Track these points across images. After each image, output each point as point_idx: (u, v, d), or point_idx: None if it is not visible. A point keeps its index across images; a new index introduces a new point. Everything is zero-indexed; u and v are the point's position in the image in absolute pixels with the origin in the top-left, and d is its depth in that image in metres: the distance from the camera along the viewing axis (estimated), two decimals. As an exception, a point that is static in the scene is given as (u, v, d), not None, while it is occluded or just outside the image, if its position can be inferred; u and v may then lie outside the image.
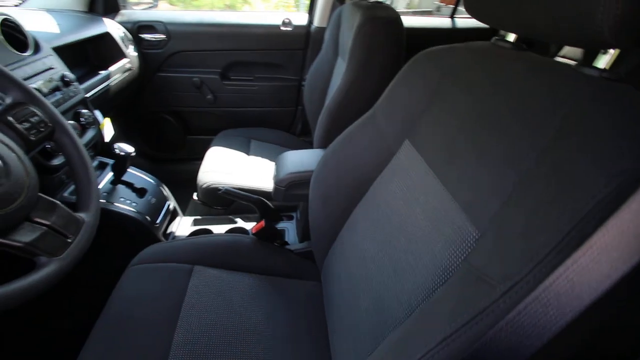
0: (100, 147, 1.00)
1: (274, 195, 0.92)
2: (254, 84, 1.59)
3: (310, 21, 1.55)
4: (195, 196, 1.20)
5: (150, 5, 1.64)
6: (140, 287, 0.70)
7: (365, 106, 0.73)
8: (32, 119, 0.54)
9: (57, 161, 0.76)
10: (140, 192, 0.99)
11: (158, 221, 0.98)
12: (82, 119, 0.88)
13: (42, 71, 0.79)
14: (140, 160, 1.65)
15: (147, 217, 0.94)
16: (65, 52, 0.96)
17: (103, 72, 1.14)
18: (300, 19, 1.55)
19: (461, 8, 1.77)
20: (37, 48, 0.83)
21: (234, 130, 1.46)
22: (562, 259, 0.25)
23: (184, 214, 1.22)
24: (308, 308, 0.73)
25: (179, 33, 1.46)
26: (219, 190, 0.87)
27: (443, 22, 1.78)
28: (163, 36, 1.46)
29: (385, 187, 0.62)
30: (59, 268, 0.48)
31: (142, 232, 0.92)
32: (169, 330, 0.62)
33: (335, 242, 0.72)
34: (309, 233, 0.79)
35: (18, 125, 0.52)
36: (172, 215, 1.10)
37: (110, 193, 0.93)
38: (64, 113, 0.82)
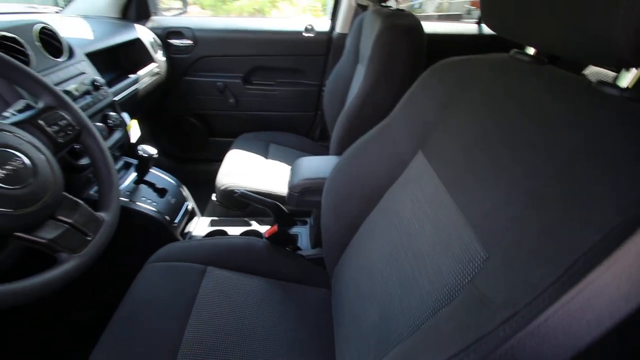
0: (126, 148, 1.05)
1: (287, 200, 0.93)
2: (275, 89, 1.61)
3: (333, 27, 1.56)
4: (214, 197, 1.24)
5: (180, 11, 1.71)
6: (155, 285, 0.72)
7: (382, 114, 0.72)
8: (61, 122, 0.58)
9: (84, 161, 0.80)
10: (161, 192, 1.02)
11: (176, 221, 1.01)
12: (109, 121, 0.92)
13: (75, 76, 0.84)
14: (164, 160, 1.72)
15: (167, 217, 0.98)
16: (98, 57, 1.02)
17: (132, 76, 1.20)
18: (322, 25, 1.56)
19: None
20: (71, 54, 0.88)
21: (254, 134, 1.49)
22: (563, 292, 0.24)
23: (203, 214, 1.26)
24: (316, 315, 0.73)
25: (205, 39, 1.51)
26: (236, 193, 0.89)
27: (468, 28, 1.74)
28: (190, 42, 1.51)
29: (396, 199, 0.61)
30: (78, 264, 0.51)
31: (161, 231, 0.96)
32: (179, 328, 0.64)
33: (346, 251, 0.72)
34: (321, 239, 0.79)
35: (48, 129, 0.55)
36: (190, 215, 1.13)
37: (133, 192, 0.97)
38: (93, 115, 0.87)
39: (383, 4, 1.12)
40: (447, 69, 0.57)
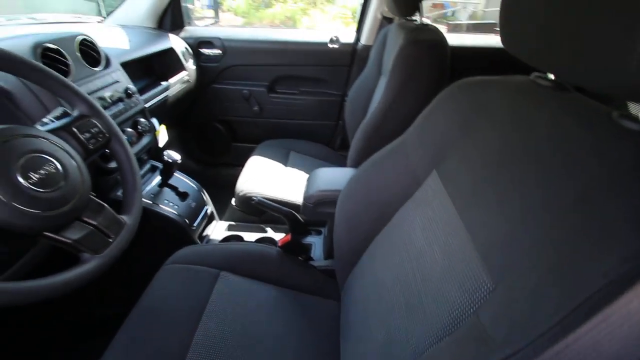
0: (153, 152, 1.11)
1: (302, 210, 0.94)
2: (298, 98, 1.64)
3: (358, 39, 1.57)
4: (233, 202, 1.27)
5: (213, 21, 1.79)
6: (170, 286, 0.75)
7: (400, 129, 0.72)
8: (93, 130, 0.62)
9: (113, 164, 0.85)
10: (183, 195, 1.07)
11: (195, 224, 1.05)
12: (139, 127, 0.98)
13: (109, 84, 0.90)
14: (189, 162, 1.79)
15: (186, 220, 1.02)
16: (132, 65, 1.09)
17: (163, 83, 1.26)
18: (347, 36, 1.58)
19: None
20: (107, 63, 0.94)
21: (275, 141, 1.52)
22: (562, 336, 0.23)
23: (222, 217, 1.29)
24: (324, 328, 0.73)
25: (233, 48, 1.57)
26: (253, 200, 0.91)
27: (497, 40, 1.70)
28: (219, 51, 1.57)
29: (408, 218, 0.60)
30: (99, 265, 0.54)
31: (180, 233, 1.00)
32: (190, 332, 0.66)
33: (356, 266, 0.72)
34: (334, 252, 0.80)
35: (80, 136, 0.59)
36: (209, 219, 1.17)
37: (156, 195, 1.02)
38: (124, 121, 0.92)
39: (408, 18, 1.12)
40: (466, 90, 0.56)
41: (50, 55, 0.78)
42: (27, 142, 0.49)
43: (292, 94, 1.65)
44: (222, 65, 1.60)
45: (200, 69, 1.56)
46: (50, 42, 0.79)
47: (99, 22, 1.42)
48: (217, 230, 1.19)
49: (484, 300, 0.37)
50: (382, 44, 1.21)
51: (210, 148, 1.80)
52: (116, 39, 1.17)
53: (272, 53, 1.57)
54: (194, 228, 1.04)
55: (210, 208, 1.17)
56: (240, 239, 1.15)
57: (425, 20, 1.06)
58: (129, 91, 0.95)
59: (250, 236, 1.16)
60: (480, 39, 1.82)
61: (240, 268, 0.80)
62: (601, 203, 0.29)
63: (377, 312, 0.57)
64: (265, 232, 1.20)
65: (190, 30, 1.60)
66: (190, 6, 1.66)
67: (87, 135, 0.60)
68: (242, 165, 1.31)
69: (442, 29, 1.03)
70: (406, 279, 0.53)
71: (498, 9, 0.50)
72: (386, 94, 0.96)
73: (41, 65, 0.59)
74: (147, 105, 1.07)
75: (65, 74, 0.79)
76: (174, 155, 0.99)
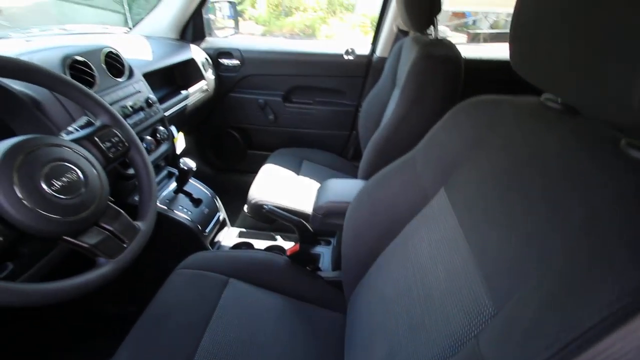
0: (171, 158, 1.15)
1: (311, 220, 0.95)
2: (313, 107, 1.66)
3: (373, 50, 1.58)
4: (245, 209, 1.29)
5: (233, 31, 1.84)
6: (180, 291, 0.77)
7: (411, 143, 0.72)
8: (114, 139, 0.65)
9: (132, 170, 0.88)
10: (197, 202, 1.10)
11: (207, 230, 1.08)
12: (158, 135, 1.02)
13: (132, 94, 0.94)
14: (204, 168, 1.83)
15: (199, 226, 1.04)
16: (154, 75, 1.13)
17: (183, 92, 1.31)
18: (362, 48, 1.59)
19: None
20: (130, 74, 0.99)
21: (289, 149, 1.54)
22: None
23: (235, 223, 1.32)
24: (329, 339, 0.73)
25: (251, 59, 1.61)
26: (264, 208, 0.93)
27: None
28: (238, 62, 1.62)
29: (415, 234, 0.60)
30: (113, 269, 0.57)
31: (192, 239, 1.02)
32: (197, 337, 0.67)
33: (363, 280, 0.72)
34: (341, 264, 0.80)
35: (102, 145, 0.62)
36: (221, 225, 1.19)
37: (171, 201, 1.05)
38: (144, 130, 0.96)
39: (423, 32, 1.12)
40: (475, 109, 0.56)
41: (77, 67, 0.83)
42: (52, 151, 0.52)
43: (307, 104, 1.67)
44: (240, 75, 1.64)
45: (218, 79, 1.61)
46: (78, 54, 0.84)
47: (125, 32, 1.49)
48: (229, 236, 1.22)
49: (485, 324, 0.37)
50: (397, 56, 1.22)
51: (226, 154, 1.84)
52: (140, 50, 1.22)
53: (289, 64, 1.61)
54: (206, 234, 1.07)
55: (222, 215, 1.20)
56: (250, 246, 1.17)
57: (440, 35, 1.06)
58: (149, 101, 0.99)
59: (260, 244, 1.18)
60: (498, 49, 1.80)
61: (249, 276, 0.81)
62: (604, 234, 0.28)
63: (381, 327, 0.57)
64: (275, 240, 1.21)
65: (210, 41, 1.65)
66: (211, 16, 1.71)
67: (108, 144, 0.64)
68: (256, 172, 1.34)
69: (463, 38, 1.02)
70: (410, 296, 0.53)
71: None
72: (398, 108, 0.96)
73: (67, 77, 0.62)
74: (166, 113, 1.11)
75: (91, 84, 0.84)
76: (190, 163, 1.02)
